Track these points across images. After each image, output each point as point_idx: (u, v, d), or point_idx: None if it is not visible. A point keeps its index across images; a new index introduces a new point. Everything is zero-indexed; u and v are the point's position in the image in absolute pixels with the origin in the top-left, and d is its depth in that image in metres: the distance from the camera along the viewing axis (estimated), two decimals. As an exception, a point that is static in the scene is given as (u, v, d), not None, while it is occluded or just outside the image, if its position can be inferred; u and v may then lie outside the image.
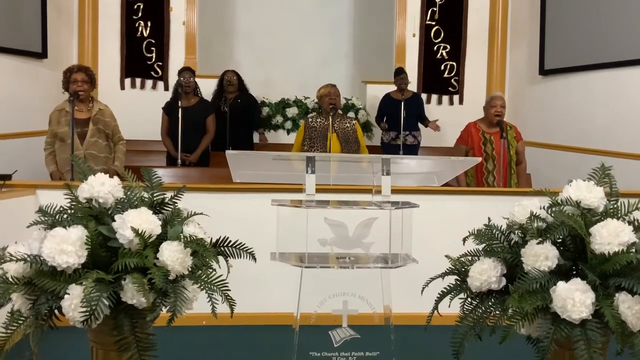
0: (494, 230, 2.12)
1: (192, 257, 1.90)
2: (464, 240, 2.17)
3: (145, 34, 6.93)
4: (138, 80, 6.97)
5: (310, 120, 4.95)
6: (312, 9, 8.04)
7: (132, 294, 1.79)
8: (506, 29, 7.32)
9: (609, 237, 1.85)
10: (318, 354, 2.35)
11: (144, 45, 6.93)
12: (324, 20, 8.11)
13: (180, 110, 5.36)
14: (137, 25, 6.91)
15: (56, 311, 1.82)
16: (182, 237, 1.92)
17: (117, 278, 1.80)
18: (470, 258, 2.13)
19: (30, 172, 4.64)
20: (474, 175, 4.69)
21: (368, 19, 8.11)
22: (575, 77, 6.19)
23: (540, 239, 1.92)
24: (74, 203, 1.95)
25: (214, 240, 2.06)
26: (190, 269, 1.89)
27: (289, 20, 7.96)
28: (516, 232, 2.07)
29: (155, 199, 2.05)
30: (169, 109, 5.53)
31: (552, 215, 2.00)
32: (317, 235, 2.29)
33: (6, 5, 5.55)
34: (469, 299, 2.08)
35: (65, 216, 1.95)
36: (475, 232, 2.14)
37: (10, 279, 1.80)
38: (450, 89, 7.39)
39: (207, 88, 6.27)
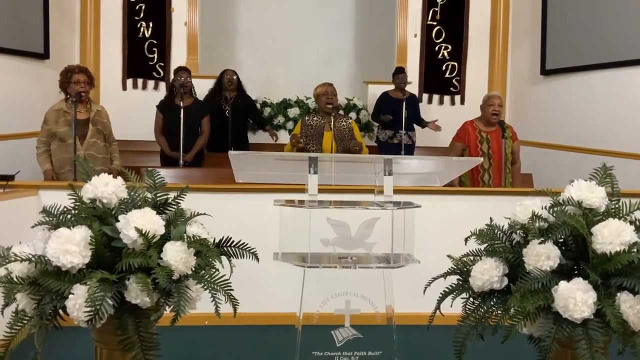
0: (496, 230, 2.13)
1: (195, 257, 1.91)
2: (466, 240, 2.18)
3: (147, 35, 6.93)
4: (140, 81, 6.98)
5: (307, 118, 4.96)
6: (313, 9, 8.04)
7: (136, 293, 1.80)
8: (507, 29, 7.32)
9: (610, 236, 1.86)
10: (320, 354, 2.36)
11: (145, 46, 6.94)
12: (325, 20, 8.11)
13: (177, 110, 5.35)
14: (138, 25, 6.92)
15: (60, 311, 1.83)
16: (185, 237, 1.93)
17: (121, 278, 1.81)
18: (472, 258, 2.14)
19: (32, 173, 4.65)
20: (469, 173, 4.69)
21: (369, 19, 8.11)
22: (577, 77, 6.19)
23: (542, 239, 1.92)
24: (77, 203, 1.96)
25: (217, 241, 2.07)
26: (193, 269, 1.90)
27: (291, 21, 7.97)
28: (518, 232, 2.08)
29: (158, 199, 2.06)
30: (164, 108, 5.53)
31: (554, 215, 2.01)
32: (319, 235, 2.30)
33: (8, 6, 5.56)
34: (471, 299, 2.08)
35: (69, 216, 1.97)
36: (477, 232, 2.15)
37: (15, 279, 1.81)
38: (451, 89, 7.39)
39: (209, 88, 6.28)
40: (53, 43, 6.11)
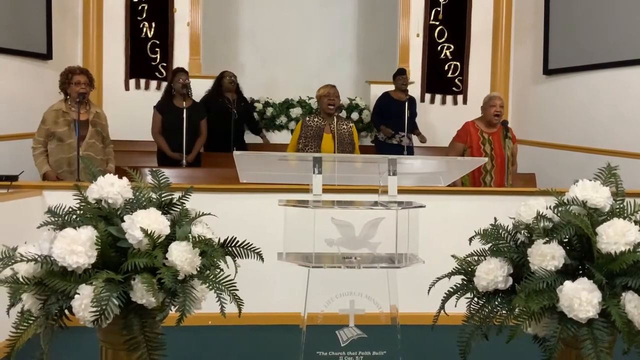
0: (501, 230, 2.13)
1: (200, 257, 1.91)
2: (470, 240, 2.18)
3: (149, 35, 6.94)
4: (142, 81, 6.99)
5: (307, 119, 4.95)
6: (315, 9, 8.05)
7: (142, 293, 1.80)
8: (510, 29, 7.32)
9: (615, 236, 1.85)
10: (325, 354, 2.36)
11: (148, 46, 6.95)
12: (328, 20, 8.11)
13: (177, 111, 5.37)
14: (141, 26, 6.93)
15: (66, 311, 1.83)
16: (190, 237, 1.93)
17: (126, 278, 1.81)
18: (476, 258, 2.14)
19: (36, 173, 4.66)
20: (470, 174, 4.68)
21: (372, 19, 8.11)
22: (579, 76, 6.19)
23: (546, 239, 1.92)
24: (83, 204, 1.97)
25: (221, 241, 2.08)
26: (198, 269, 1.91)
27: (293, 21, 7.97)
28: (522, 231, 2.08)
29: (163, 199, 2.06)
30: (163, 109, 5.54)
31: (559, 215, 2.01)
32: (324, 236, 2.30)
33: (11, 6, 5.57)
34: (476, 299, 2.08)
35: (74, 217, 1.97)
36: (482, 232, 2.15)
37: (21, 279, 1.81)
38: (454, 88, 7.39)
39: (206, 90, 6.29)
40: (56, 43, 6.12)
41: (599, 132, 5.87)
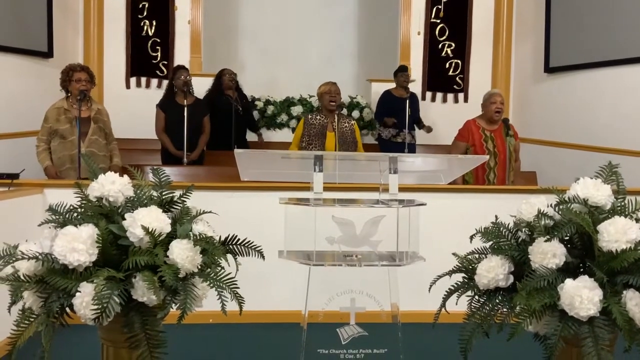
0: (502, 228, 2.13)
1: (201, 255, 1.92)
2: (471, 238, 2.18)
3: (150, 33, 6.94)
4: (143, 79, 6.98)
5: (310, 117, 4.95)
6: (316, 7, 8.04)
7: (143, 291, 1.80)
8: (511, 27, 7.31)
9: (616, 234, 1.85)
10: (326, 352, 2.37)
11: (149, 44, 6.95)
12: (329, 18, 8.11)
13: (179, 108, 5.37)
14: (142, 24, 6.93)
15: (67, 309, 1.84)
16: (191, 235, 1.94)
17: (127, 276, 1.81)
18: (477, 256, 2.14)
19: (37, 171, 4.67)
20: (473, 172, 4.68)
21: (373, 17, 8.10)
22: (581, 74, 6.18)
23: (547, 237, 1.92)
24: (84, 202, 1.97)
25: (222, 239, 2.08)
26: (199, 267, 1.91)
27: (294, 19, 7.97)
28: (523, 229, 2.08)
29: (164, 197, 2.06)
30: (165, 107, 5.54)
31: (560, 213, 2.01)
32: (324, 234, 2.30)
33: (12, 5, 5.57)
34: (477, 297, 2.08)
35: (75, 215, 1.97)
36: (483, 230, 2.15)
37: (22, 277, 1.81)
38: (455, 86, 7.38)
39: (207, 88, 6.28)
40: (56, 41, 6.12)
41: (600, 130, 5.87)
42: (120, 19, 6.88)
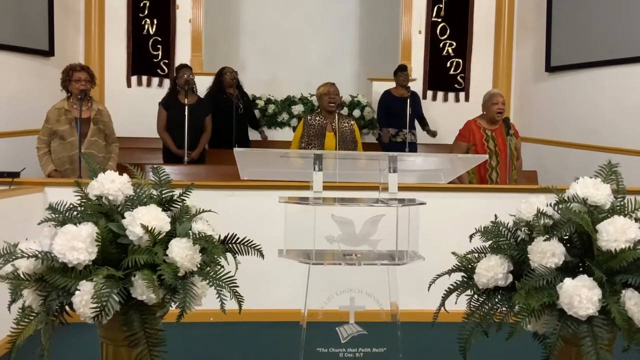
0: (501, 228, 2.13)
1: (200, 254, 1.92)
2: (471, 237, 2.18)
3: (151, 32, 6.94)
4: (144, 78, 6.99)
5: (309, 118, 4.96)
6: (317, 6, 8.04)
7: (142, 290, 1.80)
8: (512, 26, 7.30)
9: (615, 234, 1.85)
10: (325, 350, 2.37)
11: (150, 43, 6.95)
12: (330, 17, 8.10)
13: (182, 107, 5.38)
14: (143, 23, 6.93)
15: (67, 307, 1.84)
16: (191, 234, 1.94)
17: (127, 274, 1.81)
18: (477, 255, 2.14)
19: (38, 170, 4.67)
20: (476, 172, 4.69)
21: (374, 16, 8.10)
22: (582, 73, 6.17)
23: (547, 236, 1.92)
24: (84, 200, 1.97)
25: (222, 237, 2.08)
26: (199, 266, 1.91)
27: (295, 18, 7.96)
28: (523, 229, 2.08)
29: (164, 196, 2.07)
30: (168, 105, 5.54)
31: (559, 212, 2.01)
32: (324, 233, 2.30)
33: (13, 3, 5.58)
34: (476, 296, 2.08)
35: (75, 213, 1.97)
36: (482, 229, 2.15)
37: (22, 276, 1.81)
38: (456, 86, 7.38)
39: (208, 87, 6.28)
40: (57, 40, 6.13)
41: (602, 130, 5.86)
42: (121, 17, 6.88)
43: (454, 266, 2.19)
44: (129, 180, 2.01)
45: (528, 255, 1.96)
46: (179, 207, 2.06)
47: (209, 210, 2.10)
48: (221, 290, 1.88)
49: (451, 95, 7.39)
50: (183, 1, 6.95)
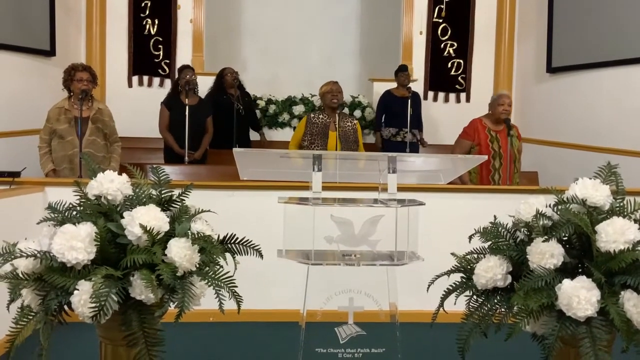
0: (500, 228, 2.12)
1: (199, 254, 1.92)
2: (470, 238, 2.18)
3: (152, 32, 6.95)
4: (145, 78, 7.00)
5: (312, 116, 4.97)
6: (318, 6, 8.04)
7: (141, 290, 1.80)
8: (513, 27, 7.30)
9: (614, 235, 1.85)
10: (324, 351, 2.37)
11: (151, 43, 6.96)
12: (331, 18, 8.11)
13: (187, 107, 5.39)
14: (144, 23, 6.94)
15: (65, 307, 1.84)
16: (189, 234, 1.94)
17: (125, 274, 1.82)
18: (476, 256, 2.14)
19: (38, 170, 4.67)
20: (478, 173, 4.68)
21: (375, 16, 8.10)
22: (583, 74, 6.17)
23: (546, 237, 1.92)
24: (83, 200, 1.97)
25: (221, 237, 2.08)
26: (197, 266, 1.91)
27: (296, 18, 7.97)
28: (522, 230, 2.08)
29: (163, 196, 2.07)
30: (170, 105, 5.55)
31: (558, 213, 2.01)
32: (323, 233, 2.30)
33: (15, 3, 5.58)
34: (475, 297, 2.08)
35: (74, 213, 1.98)
36: (481, 230, 2.15)
37: (21, 275, 1.82)
38: (457, 86, 7.38)
39: (209, 87, 6.28)
40: (59, 40, 6.13)
41: (603, 130, 5.86)
42: (122, 17, 6.89)
43: (453, 267, 2.19)
44: (128, 180, 2.01)
45: (527, 256, 1.95)
46: (178, 207, 2.06)
47: (208, 210, 2.10)
48: (219, 290, 1.88)
49: (452, 96, 7.38)
50: (184, 1, 6.96)
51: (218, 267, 1.96)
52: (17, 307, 1.87)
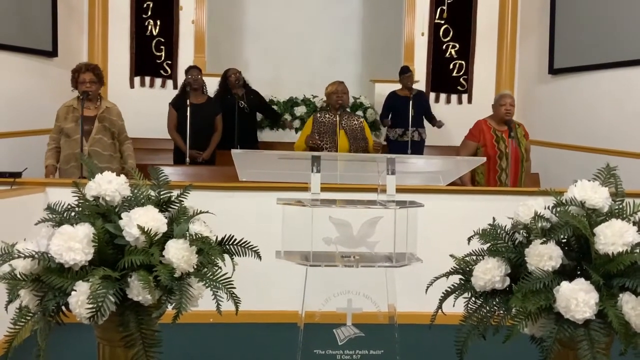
0: (499, 230, 2.12)
1: (197, 255, 1.92)
2: (469, 239, 2.17)
3: (154, 33, 6.96)
4: (147, 79, 7.00)
5: (319, 115, 4.98)
6: (320, 7, 8.04)
7: (138, 291, 1.81)
8: (515, 28, 7.29)
9: (613, 237, 1.85)
10: (322, 352, 2.37)
11: (153, 44, 6.96)
12: (333, 19, 8.11)
13: (190, 107, 5.39)
14: (146, 24, 6.95)
15: (63, 307, 1.84)
16: (187, 235, 1.94)
17: (123, 275, 1.82)
18: (474, 257, 2.13)
19: (40, 170, 4.69)
20: (485, 173, 4.67)
21: (377, 17, 8.10)
22: (585, 76, 6.16)
23: (544, 239, 1.92)
24: (81, 201, 1.98)
25: (219, 239, 2.08)
26: (195, 267, 1.91)
27: (298, 19, 7.97)
28: (520, 232, 2.08)
29: (161, 197, 2.07)
30: (178, 105, 5.56)
31: (557, 215, 2.00)
32: (322, 234, 2.30)
33: (17, 4, 5.60)
34: (473, 299, 2.08)
35: (72, 214, 1.98)
36: (480, 232, 2.14)
37: (19, 276, 1.82)
38: (459, 87, 7.37)
39: (215, 87, 6.28)
40: (61, 41, 6.14)
41: (605, 132, 5.84)
42: (124, 18, 6.89)
43: (451, 268, 2.18)
44: (127, 181, 2.02)
45: (525, 258, 1.95)
46: (176, 208, 2.06)
47: (206, 212, 2.10)
48: (217, 292, 1.88)
49: (454, 97, 7.37)
50: (186, 2, 6.96)
51: (216, 268, 1.96)
52: (15, 307, 1.88)
